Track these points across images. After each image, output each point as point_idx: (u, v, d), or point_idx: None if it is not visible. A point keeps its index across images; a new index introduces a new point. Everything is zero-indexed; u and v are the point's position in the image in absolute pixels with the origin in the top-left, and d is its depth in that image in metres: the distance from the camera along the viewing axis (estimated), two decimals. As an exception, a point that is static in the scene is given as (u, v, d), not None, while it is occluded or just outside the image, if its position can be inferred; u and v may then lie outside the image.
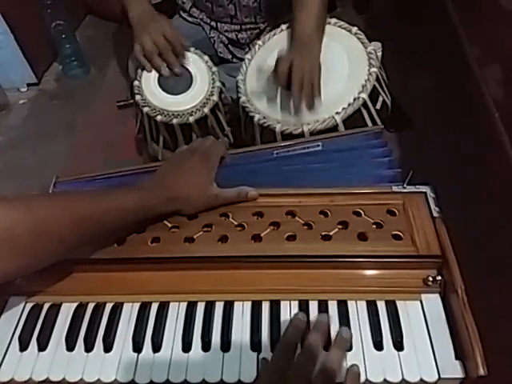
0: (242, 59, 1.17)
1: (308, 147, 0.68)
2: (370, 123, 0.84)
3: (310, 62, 0.82)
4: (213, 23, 1.17)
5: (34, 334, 0.55)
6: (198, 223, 0.61)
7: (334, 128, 0.81)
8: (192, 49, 0.99)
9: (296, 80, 0.81)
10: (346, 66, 0.83)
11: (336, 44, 0.85)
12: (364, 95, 0.80)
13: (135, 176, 0.69)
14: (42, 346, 0.54)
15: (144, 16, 0.99)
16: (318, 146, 0.68)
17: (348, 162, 0.66)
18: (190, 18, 1.19)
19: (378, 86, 0.83)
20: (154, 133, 0.98)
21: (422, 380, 0.48)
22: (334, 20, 0.87)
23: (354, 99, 0.81)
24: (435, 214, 0.57)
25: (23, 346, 0.54)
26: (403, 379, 0.48)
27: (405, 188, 0.61)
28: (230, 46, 1.20)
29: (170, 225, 0.61)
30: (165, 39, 0.95)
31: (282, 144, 0.71)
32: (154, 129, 0.97)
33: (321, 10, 0.85)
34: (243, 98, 0.89)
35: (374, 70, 0.82)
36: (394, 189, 0.61)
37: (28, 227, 0.46)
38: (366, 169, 0.65)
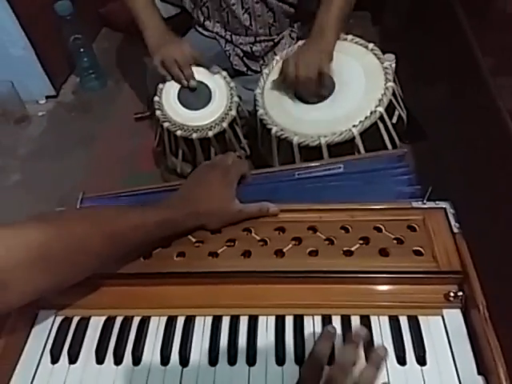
0: (257, 71, 1.20)
1: (329, 169, 0.69)
2: (386, 137, 0.85)
3: (318, 52, 0.86)
4: (228, 36, 1.19)
5: (65, 346, 0.56)
6: (221, 238, 0.62)
7: (351, 140, 0.82)
8: (214, 66, 1.02)
9: (302, 79, 0.84)
10: (363, 81, 0.85)
11: (353, 60, 0.87)
12: (381, 109, 0.81)
13: (160, 194, 0.70)
14: (73, 359, 0.55)
15: (161, 37, 1.01)
16: (340, 168, 0.69)
17: (368, 180, 0.67)
18: (205, 32, 1.21)
19: (394, 100, 0.85)
20: (173, 146, 1.00)
21: (444, 395, 0.49)
22: (350, 37, 0.89)
23: (371, 112, 0.82)
24: (455, 230, 0.58)
25: (54, 359, 0.55)
26: (426, 394, 0.49)
27: (424, 204, 0.62)
28: (244, 58, 1.22)
29: (194, 239, 0.62)
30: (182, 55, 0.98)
31: (303, 165, 0.72)
32: (173, 143, 0.99)
33: (343, 2, 0.88)
34: (261, 111, 0.91)
35: (391, 84, 0.83)
36: (414, 204, 0.62)
37: (62, 244, 0.48)
38: (386, 186, 0.66)
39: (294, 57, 0.87)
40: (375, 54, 0.87)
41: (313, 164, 0.72)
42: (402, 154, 0.71)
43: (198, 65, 1.02)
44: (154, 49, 1.00)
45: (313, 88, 0.86)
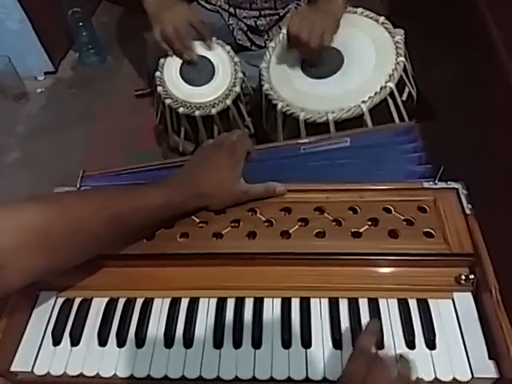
0: (261, 46, 1.16)
1: (335, 143, 0.66)
2: (395, 114, 0.82)
3: (326, 17, 0.81)
4: (231, 10, 1.14)
5: (67, 328, 0.56)
6: (225, 218, 0.61)
7: (360, 117, 0.79)
8: (214, 39, 0.98)
9: (304, 29, 0.79)
10: (373, 56, 0.81)
11: (363, 33, 0.83)
12: (391, 84, 0.78)
13: (161, 171, 0.69)
14: (75, 341, 0.54)
15: (163, 1, 0.96)
16: (346, 141, 0.66)
17: (377, 157, 0.65)
18: (208, 6, 1.17)
19: (404, 76, 0.82)
20: (175, 124, 0.98)
21: (454, 379, 0.48)
22: (360, 9, 0.85)
23: (381, 88, 0.79)
24: (468, 212, 0.56)
25: (56, 341, 0.55)
26: (436, 378, 0.48)
27: (436, 184, 0.60)
28: (248, 32, 1.18)
29: (197, 220, 0.61)
30: (189, 25, 0.93)
31: (309, 140, 0.70)
32: (175, 120, 0.96)
33: None
34: (266, 86, 0.88)
35: (402, 59, 0.80)
36: (425, 185, 0.60)
37: (63, 226, 0.47)
38: (395, 164, 0.64)
39: (301, 14, 0.83)
40: (386, 28, 0.83)
41: (319, 138, 0.69)
42: (410, 127, 0.69)
43: (201, 39, 0.98)
44: (152, 13, 0.95)
45: (314, 55, 0.82)
